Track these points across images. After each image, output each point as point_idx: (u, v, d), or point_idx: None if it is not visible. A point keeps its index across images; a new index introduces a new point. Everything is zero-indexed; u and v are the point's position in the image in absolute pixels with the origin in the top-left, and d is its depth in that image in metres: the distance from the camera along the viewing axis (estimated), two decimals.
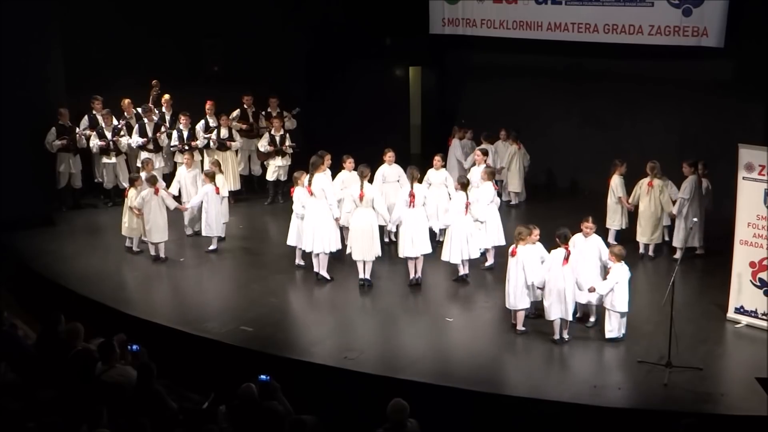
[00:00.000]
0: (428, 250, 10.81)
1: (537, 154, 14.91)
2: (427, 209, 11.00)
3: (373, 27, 16.09)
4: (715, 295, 10.12)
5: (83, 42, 13.99)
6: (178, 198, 12.66)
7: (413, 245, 10.66)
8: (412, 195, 10.66)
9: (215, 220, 12.07)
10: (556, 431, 7.98)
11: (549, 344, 9.13)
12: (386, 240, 11.91)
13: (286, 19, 15.77)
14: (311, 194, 10.84)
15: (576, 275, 9.15)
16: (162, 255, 11.79)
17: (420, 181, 11.06)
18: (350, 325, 9.97)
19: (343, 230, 11.38)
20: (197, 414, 7.12)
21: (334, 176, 11.49)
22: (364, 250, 10.66)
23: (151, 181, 11.71)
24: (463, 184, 10.81)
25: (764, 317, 9.36)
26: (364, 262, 10.74)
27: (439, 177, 12.19)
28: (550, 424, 7.94)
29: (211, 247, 12.14)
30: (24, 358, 7.84)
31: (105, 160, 14.10)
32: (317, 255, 10.93)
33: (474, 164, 12.88)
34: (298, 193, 10.99)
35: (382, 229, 11.28)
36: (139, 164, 13.78)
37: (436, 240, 11.55)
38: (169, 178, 13.51)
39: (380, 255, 10.90)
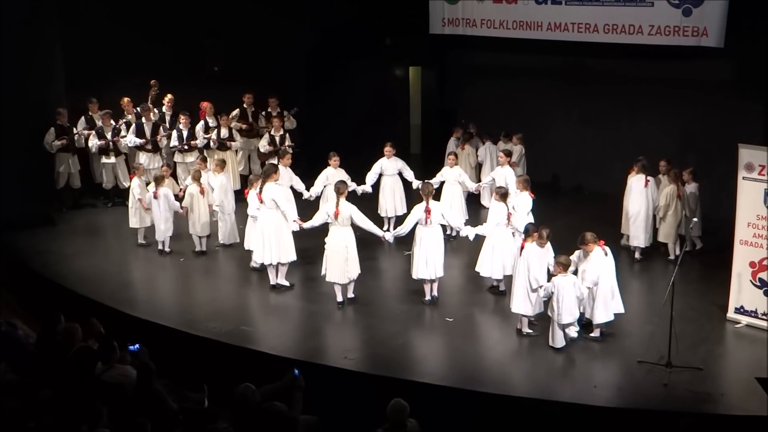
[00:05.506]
0: (441, 273, 10.23)
1: (537, 154, 14.89)
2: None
3: (373, 27, 16.09)
4: (715, 295, 10.11)
5: (84, 43, 13.99)
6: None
7: (427, 267, 10.08)
8: (428, 211, 10.02)
9: (199, 221, 11.99)
10: (556, 431, 7.98)
11: (549, 345, 9.13)
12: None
13: (286, 19, 15.76)
14: (261, 202, 10.50)
15: (529, 272, 9.05)
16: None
17: (433, 194, 10.28)
18: (350, 325, 9.97)
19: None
20: (197, 414, 7.10)
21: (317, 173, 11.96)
22: (339, 272, 10.00)
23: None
24: (504, 195, 10.31)
25: (764, 317, 9.36)
26: (340, 285, 10.14)
27: (453, 174, 12.35)
28: (550, 424, 7.94)
29: (197, 249, 12.09)
30: (24, 357, 7.83)
31: (104, 160, 14.09)
32: (270, 265, 10.65)
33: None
34: (252, 197, 10.71)
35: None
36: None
37: (447, 234, 11.32)
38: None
39: (355, 277, 10.20)
